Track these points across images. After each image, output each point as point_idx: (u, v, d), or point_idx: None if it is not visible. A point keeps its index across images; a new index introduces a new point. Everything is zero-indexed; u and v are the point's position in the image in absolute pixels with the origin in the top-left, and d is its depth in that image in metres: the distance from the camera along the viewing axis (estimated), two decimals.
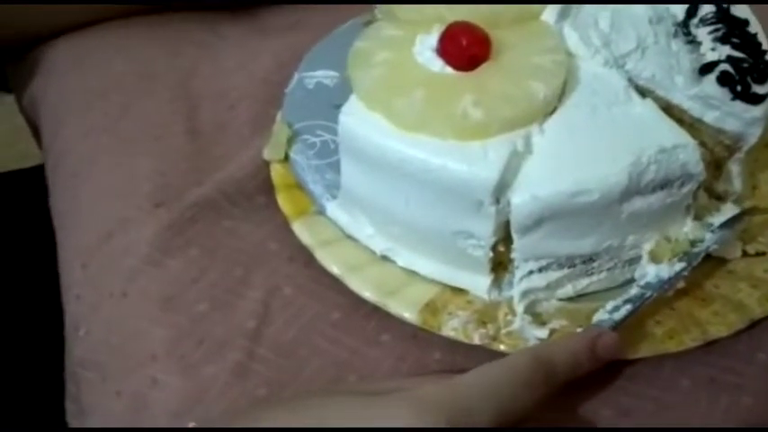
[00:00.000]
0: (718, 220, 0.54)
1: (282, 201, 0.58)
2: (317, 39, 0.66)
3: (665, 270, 0.51)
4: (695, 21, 0.56)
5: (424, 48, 0.53)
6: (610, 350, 0.48)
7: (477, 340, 0.50)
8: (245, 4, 0.75)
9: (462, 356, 0.51)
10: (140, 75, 0.69)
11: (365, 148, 0.52)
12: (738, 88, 0.52)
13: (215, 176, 0.61)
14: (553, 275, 0.52)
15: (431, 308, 0.52)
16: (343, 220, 0.56)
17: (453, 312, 0.52)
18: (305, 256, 0.55)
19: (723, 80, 0.52)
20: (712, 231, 0.53)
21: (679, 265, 0.51)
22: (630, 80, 0.53)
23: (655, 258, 0.52)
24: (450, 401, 0.42)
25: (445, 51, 0.52)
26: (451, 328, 0.51)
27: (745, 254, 0.55)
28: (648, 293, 0.50)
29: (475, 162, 0.48)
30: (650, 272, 0.51)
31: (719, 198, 0.56)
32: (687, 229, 0.53)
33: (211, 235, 0.58)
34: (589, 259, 0.52)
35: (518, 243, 0.50)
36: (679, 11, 0.57)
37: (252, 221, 0.59)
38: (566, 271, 0.52)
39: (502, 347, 0.50)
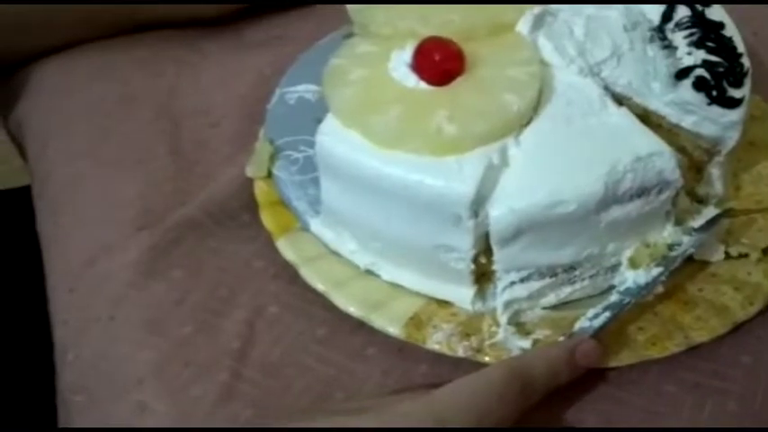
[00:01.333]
0: (699, 223, 0.54)
1: (266, 218, 0.58)
2: (300, 52, 0.66)
3: (643, 276, 0.51)
4: (671, 25, 0.56)
5: (399, 64, 0.53)
6: (589, 358, 0.49)
7: (461, 353, 0.51)
8: (227, 19, 0.75)
9: (448, 368, 0.51)
10: (123, 96, 0.69)
11: (343, 166, 0.52)
12: (714, 93, 0.52)
13: (198, 196, 0.61)
14: (535, 285, 0.52)
15: (415, 321, 0.52)
16: (326, 237, 0.56)
17: (438, 325, 0.52)
18: (290, 274, 0.55)
19: (699, 85, 0.53)
20: (690, 235, 0.53)
21: (656, 270, 0.51)
22: (607, 88, 0.53)
23: (633, 264, 0.52)
24: (426, 416, 0.43)
25: (419, 67, 0.52)
26: (436, 341, 0.51)
27: (728, 256, 0.55)
28: (627, 300, 0.50)
29: (451, 177, 0.49)
30: (629, 278, 0.52)
31: (701, 201, 0.56)
32: (667, 234, 0.53)
33: (195, 256, 0.58)
34: (570, 268, 0.52)
35: (498, 255, 0.51)
36: (655, 16, 0.57)
37: (236, 240, 0.59)
38: (547, 280, 0.52)
39: (486, 359, 0.50)
